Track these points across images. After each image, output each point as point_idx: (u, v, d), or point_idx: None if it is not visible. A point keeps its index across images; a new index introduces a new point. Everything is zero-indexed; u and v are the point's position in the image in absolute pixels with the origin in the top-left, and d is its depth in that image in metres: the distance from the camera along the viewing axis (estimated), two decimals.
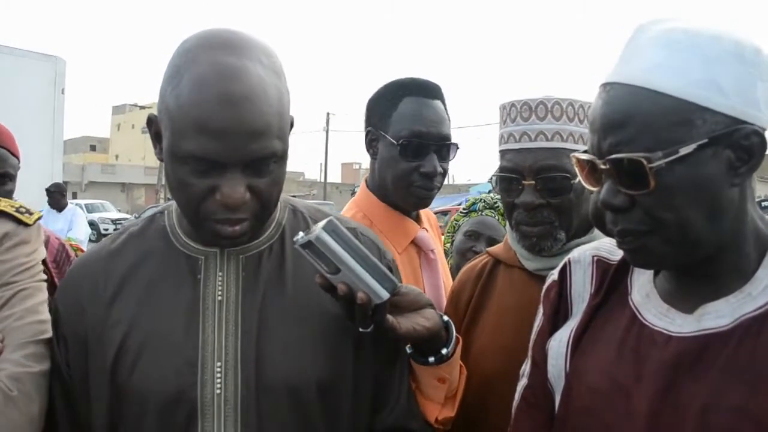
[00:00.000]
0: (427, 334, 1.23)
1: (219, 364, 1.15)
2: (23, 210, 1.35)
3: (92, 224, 21.10)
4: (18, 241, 1.31)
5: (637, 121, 0.91)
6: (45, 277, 1.35)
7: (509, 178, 1.51)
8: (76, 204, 13.92)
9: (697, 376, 0.92)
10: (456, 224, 2.66)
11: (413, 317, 1.21)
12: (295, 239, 1.08)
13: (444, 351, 1.28)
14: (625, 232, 0.96)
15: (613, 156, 0.93)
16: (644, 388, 0.95)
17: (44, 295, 1.31)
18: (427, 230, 1.90)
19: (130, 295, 1.20)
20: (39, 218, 1.38)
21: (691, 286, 1.00)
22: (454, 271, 2.47)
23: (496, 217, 2.52)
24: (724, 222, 0.93)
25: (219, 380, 1.14)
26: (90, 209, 25.36)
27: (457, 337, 1.33)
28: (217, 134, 1.05)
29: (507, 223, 1.60)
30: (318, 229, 1.06)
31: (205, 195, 1.10)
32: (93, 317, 1.20)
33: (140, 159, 58.25)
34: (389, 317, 1.15)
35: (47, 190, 7.62)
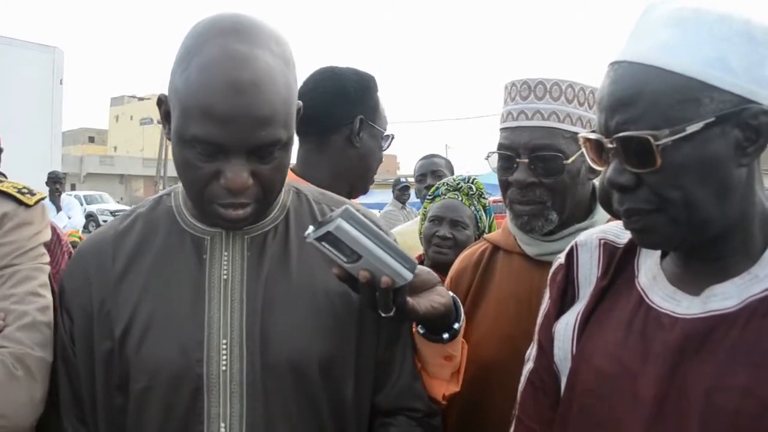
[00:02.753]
0: (444, 311, 1.24)
1: (224, 341, 1.17)
2: (25, 191, 1.35)
3: (91, 216, 21.12)
4: (19, 222, 1.31)
5: (645, 99, 0.90)
6: (47, 259, 1.35)
7: (504, 155, 1.52)
8: (74, 195, 13.93)
9: (703, 358, 0.91)
10: (424, 212, 2.64)
11: (429, 296, 1.22)
12: (306, 234, 1.08)
13: (456, 326, 1.29)
14: (632, 211, 0.96)
15: (621, 134, 0.92)
16: (650, 371, 0.95)
17: (45, 277, 1.31)
18: None
19: (137, 273, 1.22)
20: (42, 199, 1.37)
21: (697, 268, 0.99)
22: (426, 258, 2.47)
23: (460, 198, 2.48)
24: (731, 202, 0.93)
25: (225, 357, 1.16)
26: (89, 200, 25.36)
27: (464, 317, 1.33)
28: (222, 120, 1.05)
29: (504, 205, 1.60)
30: (336, 218, 1.04)
31: (209, 178, 1.11)
32: (101, 294, 1.21)
33: (138, 150, 58.25)
34: (409, 299, 1.16)
35: (49, 178, 7.73)
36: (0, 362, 1.15)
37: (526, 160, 1.48)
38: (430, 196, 2.59)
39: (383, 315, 1.14)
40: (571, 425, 1.04)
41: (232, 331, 1.17)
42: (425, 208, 2.63)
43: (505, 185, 1.55)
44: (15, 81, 7.85)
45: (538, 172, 1.48)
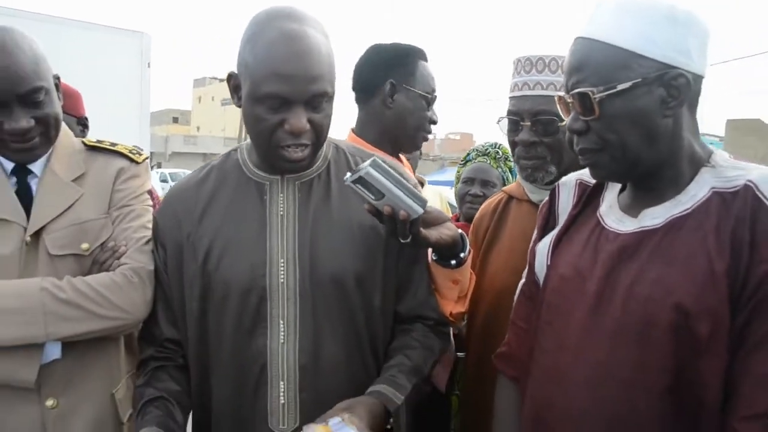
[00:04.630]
0: (451, 241, 1.54)
1: (282, 261, 1.51)
2: (135, 151, 1.77)
3: None
4: (131, 174, 1.72)
5: (590, 65, 1.20)
6: (150, 203, 1.75)
7: (512, 120, 1.81)
8: (160, 173, 14.54)
9: (631, 262, 1.21)
10: (458, 175, 3.01)
11: (439, 229, 1.52)
12: (345, 179, 1.40)
13: (462, 255, 1.60)
14: (584, 150, 1.26)
15: (573, 91, 1.22)
16: (595, 273, 1.25)
17: (151, 215, 1.70)
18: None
19: (214, 212, 1.56)
20: (146, 158, 1.78)
21: (639, 197, 1.29)
22: (461, 214, 2.82)
23: (489, 162, 2.85)
24: (660, 145, 1.21)
25: (282, 272, 1.50)
26: (173, 178, 26.53)
27: (469, 249, 1.64)
28: (287, 78, 1.40)
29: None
30: (366, 166, 1.36)
31: (276, 127, 1.44)
32: (187, 229, 1.56)
33: (220, 130, 59.79)
34: (422, 230, 1.46)
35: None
36: (122, 273, 1.57)
37: (529, 123, 1.78)
38: (462, 161, 2.95)
39: (402, 241, 1.45)
40: (542, 317, 1.36)
41: (287, 253, 1.51)
42: (458, 172, 3.00)
43: (513, 145, 1.85)
44: (106, 66, 8.13)
45: (539, 132, 1.77)
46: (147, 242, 1.64)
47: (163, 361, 1.61)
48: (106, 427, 1.66)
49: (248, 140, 1.61)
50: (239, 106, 1.51)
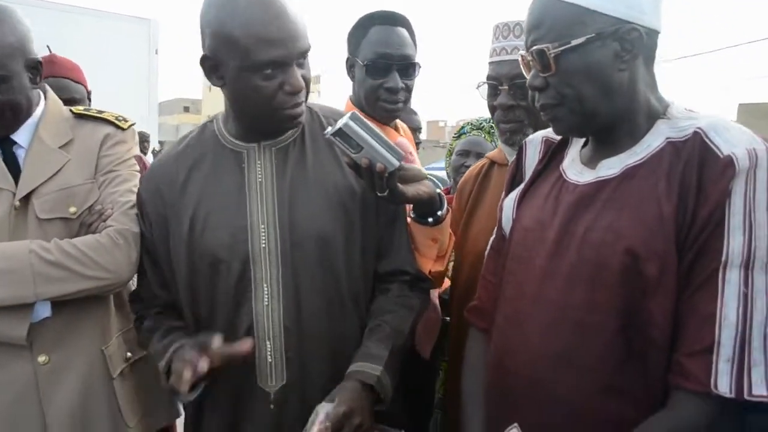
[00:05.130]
0: (428, 198, 1.59)
1: (263, 226, 1.56)
2: (121, 118, 1.84)
3: None
4: (117, 140, 1.79)
5: (546, 23, 1.24)
6: (138, 168, 1.81)
7: (491, 84, 1.85)
8: None
9: (587, 210, 1.25)
10: (451, 147, 3.05)
11: (416, 186, 1.57)
12: (325, 132, 1.46)
13: (439, 213, 1.65)
14: (544, 106, 1.30)
15: (532, 48, 1.26)
16: (555, 223, 1.30)
17: (137, 179, 1.77)
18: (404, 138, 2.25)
19: (195, 182, 1.62)
20: (132, 125, 1.85)
21: (599, 150, 1.33)
22: (453, 187, 2.86)
23: (483, 135, 2.89)
24: (616, 98, 1.25)
25: (264, 237, 1.56)
26: None
27: (447, 208, 1.69)
28: (278, 42, 1.45)
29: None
30: (345, 119, 1.41)
31: (275, 92, 1.49)
32: (170, 199, 1.62)
33: None
34: (399, 185, 1.51)
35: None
36: (107, 235, 1.63)
37: (507, 88, 1.81)
38: (456, 134, 3.00)
39: (379, 195, 1.49)
40: (507, 268, 1.41)
41: (267, 218, 1.56)
42: (452, 144, 3.04)
43: (492, 109, 1.88)
44: (113, 53, 8.19)
45: (516, 96, 1.80)
46: (132, 206, 1.70)
47: (162, 308, 1.69)
48: (97, 382, 1.74)
49: (223, 110, 1.66)
50: (221, 86, 1.55)
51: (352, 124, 1.41)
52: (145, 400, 1.88)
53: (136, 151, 1.86)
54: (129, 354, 1.84)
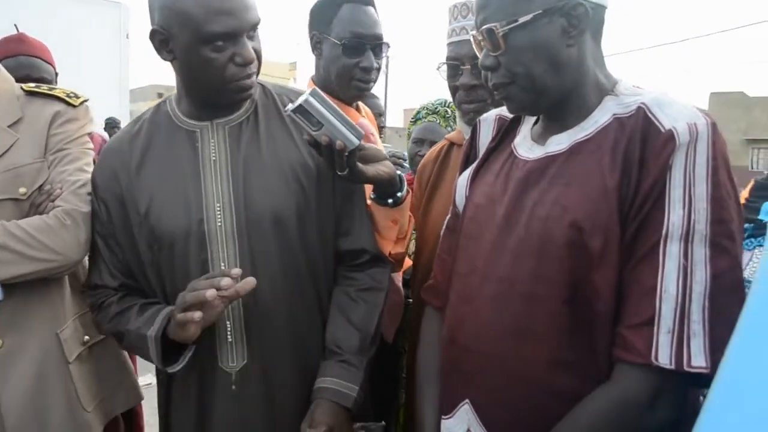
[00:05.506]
0: (388, 178, 1.59)
1: (218, 204, 1.55)
2: (72, 95, 1.79)
3: None
4: (68, 118, 1.75)
5: (493, 2, 1.24)
6: (91, 145, 1.79)
7: (452, 65, 1.84)
8: None
9: (536, 186, 1.26)
10: (409, 133, 3.03)
11: (376, 166, 1.57)
12: (286, 109, 1.45)
13: (399, 194, 1.66)
14: (496, 85, 1.30)
15: (481, 28, 1.26)
16: (505, 198, 1.31)
17: (89, 158, 1.74)
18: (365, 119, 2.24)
19: (149, 163, 1.60)
20: (85, 101, 1.81)
21: (548, 126, 1.34)
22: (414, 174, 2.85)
23: (438, 121, 2.87)
24: (565, 74, 1.25)
25: (219, 216, 1.55)
26: None
27: (407, 189, 1.69)
28: (229, 13, 1.44)
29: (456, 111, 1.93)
30: (306, 95, 1.41)
31: (226, 63, 1.48)
32: (125, 181, 1.60)
33: None
34: (359, 164, 1.51)
35: (106, 123, 8.22)
36: (54, 216, 1.61)
37: (469, 67, 1.80)
38: (412, 119, 2.97)
39: (339, 174, 1.49)
40: (460, 245, 1.41)
41: (222, 196, 1.55)
42: (409, 128, 3.02)
43: (453, 90, 1.88)
44: (82, 37, 8.10)
45: (478, 76, 1.77)
46: (82, 185, 1.67)
47: (125, 292, 1.66)
48: (52, 365, 1.71)
49: (175, 91, 1.64)
50: (171, 60, 1.54)
51: (312, 100, 1.40)
52: (105, 384, 1.86)
53: (90, 128, 1.82)
54: (87, 338, 1.82)
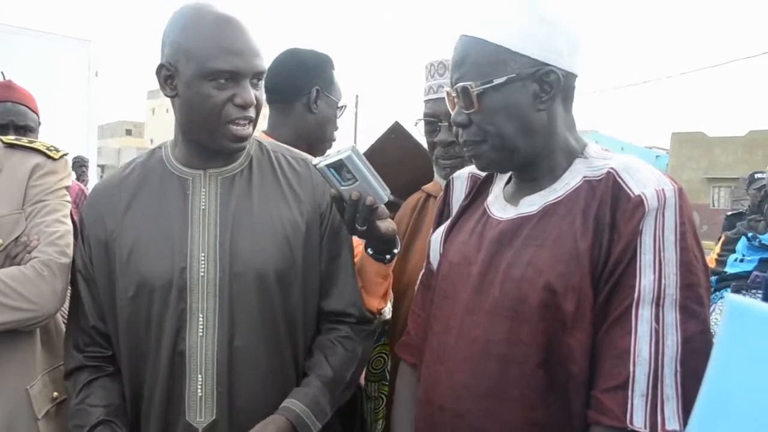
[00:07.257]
0: (393, 236, 1.62)
1: (203, 254, 1.54)
2: (52, 148, 1.80)
3: None
4: (47, 171, 1.75)
5: (469, 61, 1.28)
6: (69, 198, 1.78)
7: (429, 121, 1.89)
8: None
9: (510, 246, 1.29)
10: None
11: (385, 222, 1.58)
12: (316, 163, 1.47)
13: (395, 251, 1.68)
14: (467, 142, 1.33)
15: (456, 86, 1.30)
16: (479, 258, 1.33)
17: (67, 210, 1.74)
18: None
19: (137, 208, 1.59)
20: (65, 155, 1.81)
21: (521, 186, 1.37)
22: None
23: None
24: (534, 136, 1.29)
25: (203, 266, 1.53)
26: None
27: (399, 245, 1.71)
28: (236, 53, 1.47)
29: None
30: (348, 151, 1.42)
31: (225, 102, 1.49)
32: (111, 225, 1.59)
33: None
34: (376, 221, 1.53)
35: (74, 162, 8.10)
36: (31, 266, 1.59)
37: (447, 124, 1.84)
38: None
39: (358, 228, 1.50)
40: (434, 302, 1.43)
41: (208, 247, 1.54)
42: None
43: (431, 146, 1.92)
44: (51, 74, 7.99)
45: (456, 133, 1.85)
46: (60, 236, 1.66)
47: (95, 372, 1.62)
48: (21, 422, 1.67)
49: (173, 137, 1.65)
50: (173, 96, 1.55)
51: (354, 156, 1.42)
52: None
53: (69, 182, 1.82)
54: (56, 394, 1.78)
